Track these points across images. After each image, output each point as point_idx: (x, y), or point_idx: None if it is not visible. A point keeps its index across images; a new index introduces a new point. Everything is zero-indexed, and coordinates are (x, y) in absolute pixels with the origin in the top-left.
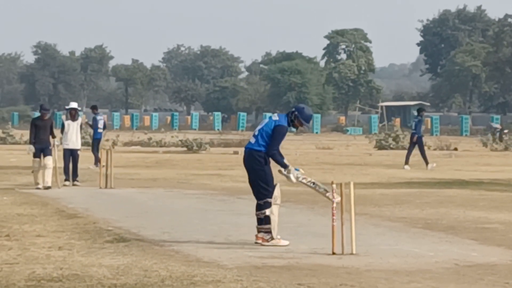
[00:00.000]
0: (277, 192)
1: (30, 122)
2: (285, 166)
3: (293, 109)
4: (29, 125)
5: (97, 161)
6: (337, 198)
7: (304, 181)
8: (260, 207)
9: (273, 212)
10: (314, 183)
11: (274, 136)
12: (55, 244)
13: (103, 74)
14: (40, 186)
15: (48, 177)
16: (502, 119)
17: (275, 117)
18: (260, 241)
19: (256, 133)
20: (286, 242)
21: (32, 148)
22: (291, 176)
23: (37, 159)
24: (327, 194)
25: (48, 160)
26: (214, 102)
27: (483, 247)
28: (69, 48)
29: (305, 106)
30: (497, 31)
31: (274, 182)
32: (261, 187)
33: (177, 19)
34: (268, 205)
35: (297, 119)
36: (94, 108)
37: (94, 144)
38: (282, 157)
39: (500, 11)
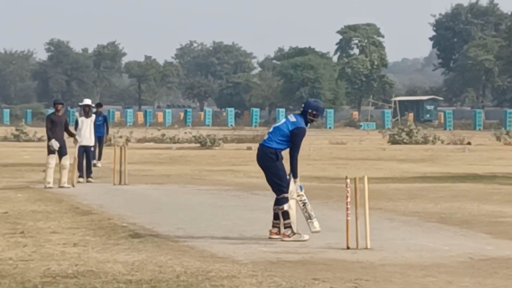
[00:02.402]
0: (292, 187)
1: (45, 118)
2: (295, 176)
3: (309, 110)
4: (42, 122)
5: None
6: (315, 229)
7: (298, 198)
8: (278, 202)
9: (291, 206)
10: (304, 204)
11: (295, 140)
12: (70, 241)
13: (116, 71)
14: (50, 185)
15: (64, 177)
16: None
17: (292, 118)
18: (273, 236)
19: (271, 130)
20: (306, 237)
21: (56, 143)
22: (291, 187)
23: (53, 156)
24: (308, 221)
25: (66, 160)
26: (227, 98)
27: (497, 240)
28: (82, 45)
29: (315, 100)
30: (509, 25)
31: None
32: (275, 183)
33: (190, 15)
34: (285, 200)
35: (315, 116)
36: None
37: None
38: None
39: None
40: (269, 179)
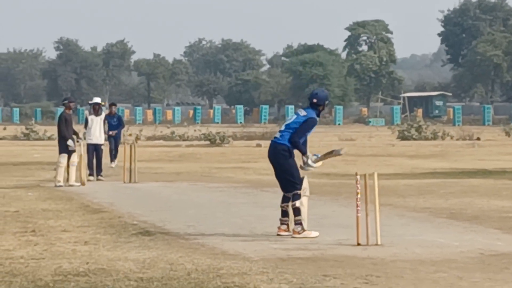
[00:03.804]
0: (305, 183)
1: (59, 117)
2: (304, 152)
3: (318, 102)
4: (52, 120)
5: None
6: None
7: (321, 158)
8: (285, 200)
9: (303, 203)
10: (329, 152)
11: (302, 126)
12: (80, 239)
13: (125, 69)
14: (61, 183)
15: (73, 175)
16: None
17: (302, 112)
18: (282, 233)
19: (283, 128)
20: (316, 234)
21: (73, 143)
22: (310, 161)
23: (66, 155)
24: (341, 152)
25: (74, 157)
26: (236, 95)
27: (508, 236)
28: (91, 44)
29: (319, 90)
30: None
31: (302, 175)
32: (287, 180)
33: (198, 13)
34: (298, 197)
35: (323, 106)
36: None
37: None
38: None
39: None
40: (280, 176)
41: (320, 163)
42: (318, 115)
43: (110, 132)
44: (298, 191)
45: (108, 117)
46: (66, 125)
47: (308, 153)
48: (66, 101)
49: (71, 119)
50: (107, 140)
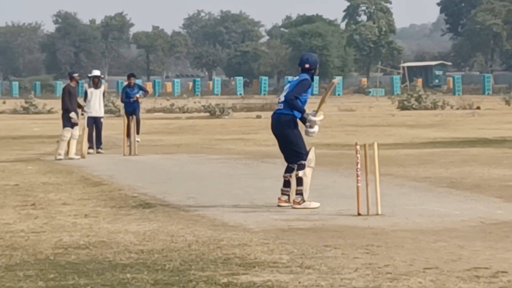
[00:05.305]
0: (311, 155)
1: (63, 90)
2: (302, 111)
3: (310, 67)
4: (51, 94)
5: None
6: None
7: (319, 106)
8: (289, 170)
9: (306, 174)
10: (324, 95)
11: (297, 86)
12: (81, 212)
13: (124, 42)
14: (61, 157)
15: (73, 148)
16: None
17: (295, 78)
18: (282, 204)
19: (282, 99)
20: (317, 204)
21: (76, 116)
22: (310, 117)
23: (70, 129)
24: (334, 81)
25: (76, 131)
26: (236, 67)
27: (508, 204)
28: (89, 17)
29: (308, 55)
30: None
31: (309, 146)
32: (293, 151)
33: None
34: (302, 167)
35: (315, 70)
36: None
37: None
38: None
39: None
40: (286, 147)
41: (321, 115)
42: (312, 79)
43: (133, 97)
44: (303, 161)
45: (128, 88)
46: (70, 98)
47: (307, 111)
48: (75, 74)
49: (75, 92)
50: (127, 112)
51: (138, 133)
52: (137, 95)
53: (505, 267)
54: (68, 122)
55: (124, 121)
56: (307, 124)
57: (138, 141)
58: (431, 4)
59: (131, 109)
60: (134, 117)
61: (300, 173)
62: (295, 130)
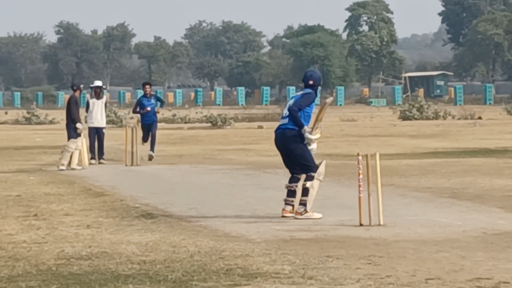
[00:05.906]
0: (322, 168)
1: (69, 100)
2: (301, 126)
3: (314, 83)
4: (53, 104)
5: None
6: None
7: (314, 124)
8: (294, 180)
9: (313, 186)
10: (318, 112)
11: (301, 99)
12: (83, 223)
13: (125, 52)
14: (63, 167)
15: (75, 159)
16: None
17: (300, 92)
18: (287, 214)
19: (286, 113)
20: (319, 215)
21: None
22: (307, 134)
23: (75, 140)
24: (327, 101)
25: (79, 141)
26: (237, 77)
27: (510, 215)
28: (91, 27)
29: (312, 71)
30: None
31: (321, 159)
32: (302, 164)
33: None
34: (311, 178)
35: (319, 86)
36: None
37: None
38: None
39: None
40: (294, 162)
41: (318, 133)
42: (316, 94)
43: (146, 108)
44: (313, 173)
45: (144, 99)
46: (76, 109)
47: (305, 127)
48: (82, 85)
49: (79, 102)
50: (143, 123)
51: (152, 150)
52: (156, 108)
53: (507, 277)
54: (74, 133)
55: (126, 131)
56: (305, 142)
57: (152, 156)
58: (432, 14)
59: (149, 121)
60: (150, 133)
61: (308, 184)
62: (301, 144)
